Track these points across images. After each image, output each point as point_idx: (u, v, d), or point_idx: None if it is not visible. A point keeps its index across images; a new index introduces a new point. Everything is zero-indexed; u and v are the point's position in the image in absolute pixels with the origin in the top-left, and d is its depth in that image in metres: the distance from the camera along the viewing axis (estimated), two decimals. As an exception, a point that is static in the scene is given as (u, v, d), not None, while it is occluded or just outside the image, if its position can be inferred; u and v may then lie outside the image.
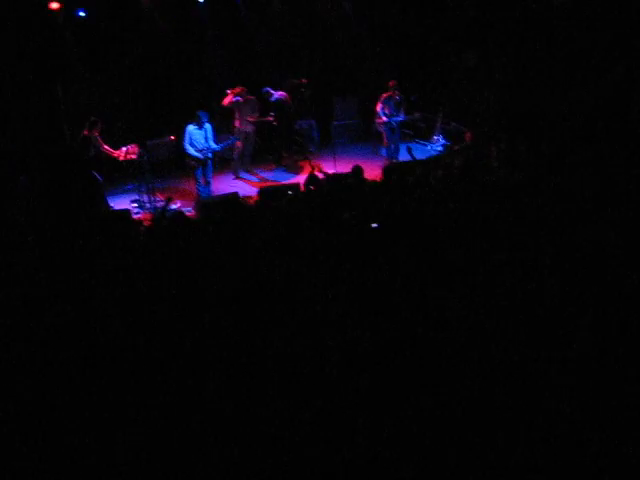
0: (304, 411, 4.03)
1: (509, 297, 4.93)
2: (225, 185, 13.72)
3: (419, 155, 13.03)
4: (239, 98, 14.20)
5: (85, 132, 12.08)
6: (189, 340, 4.77)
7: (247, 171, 14.71)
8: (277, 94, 14.73)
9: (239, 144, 14.38)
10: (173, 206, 11.42)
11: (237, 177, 14.48)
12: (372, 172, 11.25)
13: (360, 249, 6.11)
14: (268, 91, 14.72)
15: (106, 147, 12.40)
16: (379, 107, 14.07)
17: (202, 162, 12.57)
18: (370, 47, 16.94)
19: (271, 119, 14.73)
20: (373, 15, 16.44)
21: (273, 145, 15.40)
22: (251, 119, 14.48)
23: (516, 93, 13.56)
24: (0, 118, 12.34)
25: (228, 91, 14.35)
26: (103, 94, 14.87)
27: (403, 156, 13.54)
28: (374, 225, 6.77)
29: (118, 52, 14.68)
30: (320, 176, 10.31)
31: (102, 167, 12.59)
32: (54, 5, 13.21)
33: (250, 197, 11.22)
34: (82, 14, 13.94)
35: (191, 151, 12.45)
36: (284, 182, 13.36)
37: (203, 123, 12.45)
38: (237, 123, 14.42)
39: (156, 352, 4.66)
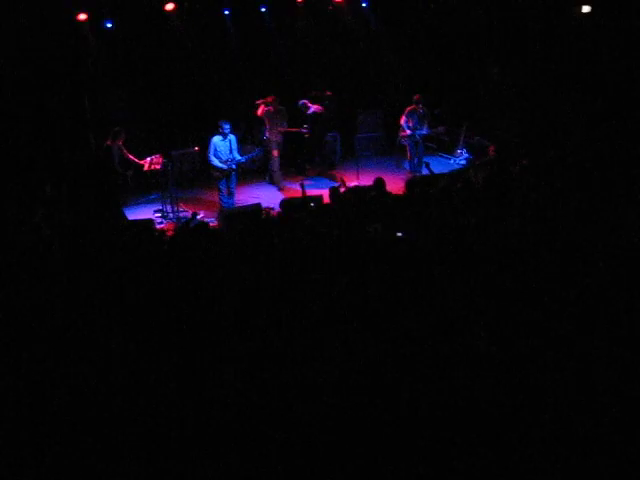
0: (306, 412, 4.05)
1: (528, 311, 4.92)
2: (248, 196, 13.70)
3: (442, 169, 13.01)
4: (270, 107, 14.07)
5: (108, 142, 12.20)
6: (206, 349, 4.79)
7: (270, 182, 14.59)
8: (313, 107, 14.66)
9: (275, 153, 14.12)
10: (197, 217, 11.49)
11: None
12: (395, 185, 11.25)
13: (387, 259, 6.13)
14: (305, 104, 14.69)
15: (130, 157, 12.51)
16: (403, 120, 14.08)
17: (226, 173, 12.53)
18: (394, 60, 16.97)
19: (304, 131, 14.65)
20: (397, 27, 16.43)
21: (298, 157, 15.34)
22: (282, 129, 14.42)
23: (540, 107, 13.51)
24: (27, 127, 12.47)
25: (259, 101, 14.26)
26: (129, 104, 14.99)
27: (426, 170, 13.51)
28: (399, 234, 6.82)
29: (144, 63, 14.80)
30: (341, 189, 10.30)
31: (125, 178, 12.74)
32: (81, 16, 13.37)
33: (272, 208, 11.22)
34: (109, 25, 14.06)
35: (215, 162, 12.39)
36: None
37: (227, 134, 12.37)
38: (267, 133, 14.20)
39: (172, 359, 4.69)
